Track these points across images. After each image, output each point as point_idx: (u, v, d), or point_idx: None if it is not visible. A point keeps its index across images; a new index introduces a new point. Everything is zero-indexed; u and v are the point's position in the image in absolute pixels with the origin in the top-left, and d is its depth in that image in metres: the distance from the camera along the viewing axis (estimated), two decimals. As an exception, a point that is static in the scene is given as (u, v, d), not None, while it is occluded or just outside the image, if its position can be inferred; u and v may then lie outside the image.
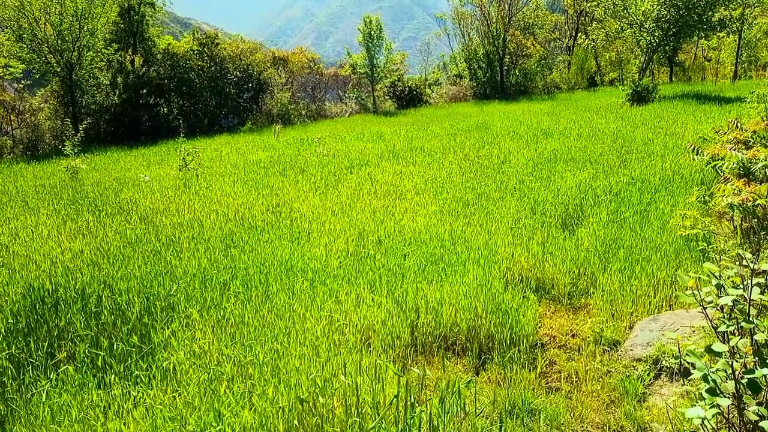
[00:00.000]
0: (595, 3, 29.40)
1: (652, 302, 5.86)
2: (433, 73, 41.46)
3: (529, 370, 4.81)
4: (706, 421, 2.24)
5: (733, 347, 2.19)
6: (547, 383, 4.71)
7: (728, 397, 2.05)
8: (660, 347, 4.91)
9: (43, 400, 4.11)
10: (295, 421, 3.61)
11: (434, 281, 6.00)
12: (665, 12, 24.26)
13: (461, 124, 18.28)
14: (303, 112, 30.98)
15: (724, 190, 5.07)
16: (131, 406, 4.09)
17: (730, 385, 2.03)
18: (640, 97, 21.32)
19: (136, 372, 4.54)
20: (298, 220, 8.36)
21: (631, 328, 5.60)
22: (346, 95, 35.06)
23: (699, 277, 2.56)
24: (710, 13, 23.82)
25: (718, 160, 5.96)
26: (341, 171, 11.59)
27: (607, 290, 6.03)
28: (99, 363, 4.72)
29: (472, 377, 4.59)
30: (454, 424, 3.41)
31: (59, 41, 23.89)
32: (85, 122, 18.95)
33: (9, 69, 25.26)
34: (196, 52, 28.56)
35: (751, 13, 30.46)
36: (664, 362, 4.74)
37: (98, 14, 24.69)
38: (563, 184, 9.41)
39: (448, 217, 8.15)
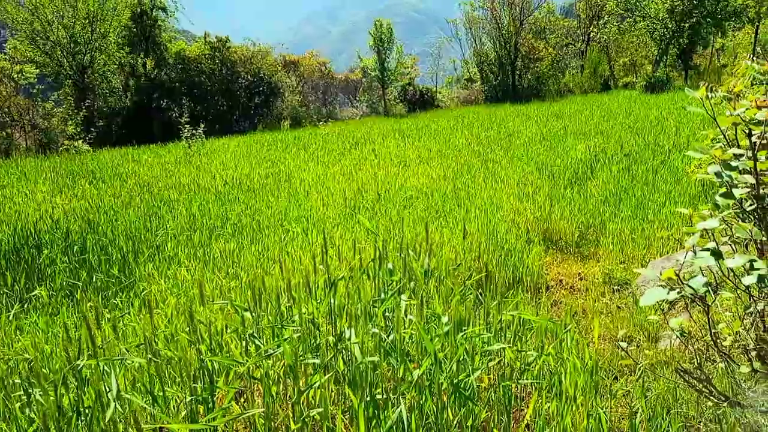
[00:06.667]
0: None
1: (666, 245, 5.52)
2: (445, 79, 41.33)
3: (533, 306, 4.50)
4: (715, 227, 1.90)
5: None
6: (551, 318, 4.37)
7: (746, 186, 1.74)
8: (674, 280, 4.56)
9: (11, 320, 3.87)
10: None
11: (435, 228, 5.70)
12: (678, 2, 23.87)
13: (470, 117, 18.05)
14: (314, 116, 30.82)
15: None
16: (105, 325, 3.83)
17: (748, 178, 1.73)
18: (654, 87, 20.95)
19: (115, 301, 4.29)
20: (298, 183, 8.12)
21: (643, 268, 5.26)
22: (357, 99, 34.89)
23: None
24: (725, 2, 23.36)
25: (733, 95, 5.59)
26: (345, 147, 11.37)
27: (617, 235, 5.70)
28: (78, 296, 4.47)
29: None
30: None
31: (72, 44, 24.11)
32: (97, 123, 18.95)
33: (24, 74, 25.50)
34: (207, 55, 28.63)
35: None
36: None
37: (110, 17, 24.92)
38: (572, 150, 9.08)
39: (452, 179, 7.86)
